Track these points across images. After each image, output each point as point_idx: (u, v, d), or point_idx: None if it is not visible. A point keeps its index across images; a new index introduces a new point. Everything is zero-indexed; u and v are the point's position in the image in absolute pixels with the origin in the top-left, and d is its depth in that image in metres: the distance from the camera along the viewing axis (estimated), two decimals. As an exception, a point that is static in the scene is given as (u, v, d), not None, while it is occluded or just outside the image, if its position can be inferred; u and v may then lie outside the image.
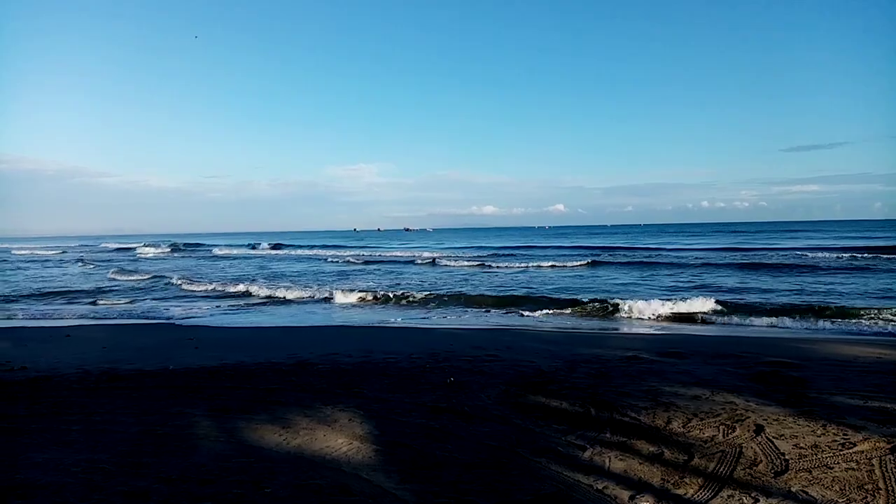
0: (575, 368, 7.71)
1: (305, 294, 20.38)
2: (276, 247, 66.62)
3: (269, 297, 20.16)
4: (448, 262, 36.03)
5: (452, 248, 56.56)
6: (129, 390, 6.91)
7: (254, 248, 66.50)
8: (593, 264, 31.54)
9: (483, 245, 61.66)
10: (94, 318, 15.83)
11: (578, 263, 31.69)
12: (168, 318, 15.44)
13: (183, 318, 15.33)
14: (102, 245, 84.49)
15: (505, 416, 5.61)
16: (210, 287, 23.23)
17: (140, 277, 28.40)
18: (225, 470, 4.33)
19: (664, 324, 13.45)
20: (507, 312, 15.81)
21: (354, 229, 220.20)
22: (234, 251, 60.06)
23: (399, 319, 14.80)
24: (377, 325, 13.98)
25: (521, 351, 9.20)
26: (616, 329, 12.85)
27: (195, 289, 23.23)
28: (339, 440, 4.97)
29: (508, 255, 43.60)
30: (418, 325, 13.73)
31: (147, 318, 15.79)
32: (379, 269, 32.91)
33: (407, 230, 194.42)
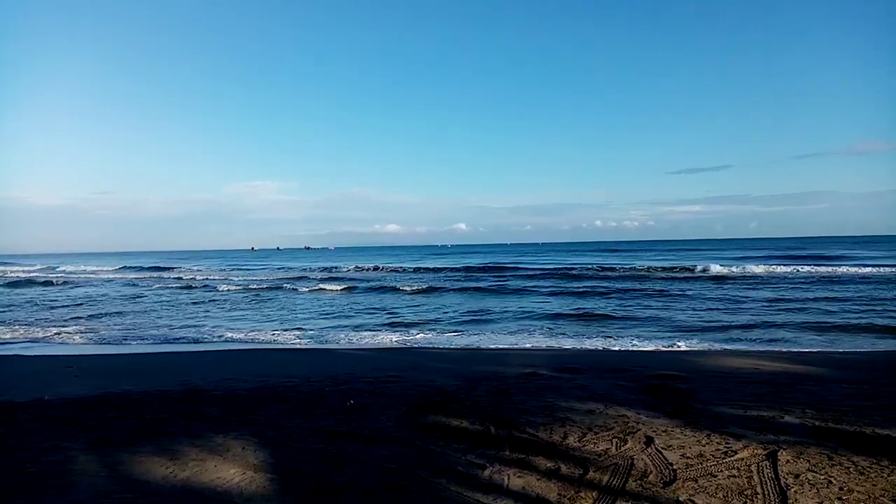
0: (476, 387, 7.75)
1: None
2: (121, 269, 61.65)
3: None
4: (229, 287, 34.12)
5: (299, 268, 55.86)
6: (-3, 424, 6.29)
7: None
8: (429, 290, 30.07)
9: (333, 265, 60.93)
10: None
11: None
12: None
13: None
14: None
15: (406, 437, 5.53)
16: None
17: None
18: (103, 508, 4.00)
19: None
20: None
21: (252, 248, 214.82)
22: (44, 276, 50.30)
23: (301, 341, 14.41)
24: (276, 347, 13.53)
25: (424, 371, 9.16)
26: (516, 346, 13.06)
27: None
28: (232, 470, 4.72)
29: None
30: (320, 347, 13.40)
31: None
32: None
33: (307, 248, 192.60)
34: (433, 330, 16.11)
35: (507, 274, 40.68)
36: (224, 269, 59.31)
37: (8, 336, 15.83)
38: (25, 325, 18.32)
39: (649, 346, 12.39)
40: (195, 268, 64.03)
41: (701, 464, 4.57)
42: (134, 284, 39.25)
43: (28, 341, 14.91)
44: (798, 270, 33.34)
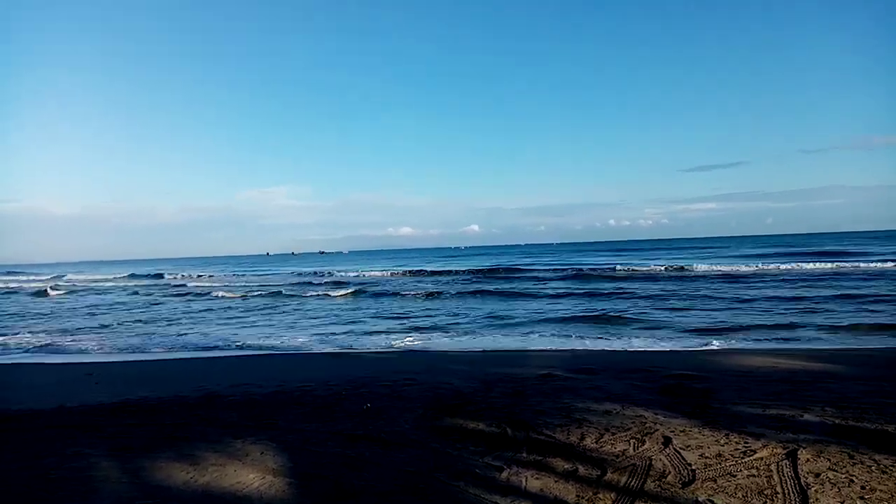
0: (492, 388, 7.76)
1: None
2: (133, 277, 61.65)
3: None
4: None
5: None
6: (20, 432, 6.37)
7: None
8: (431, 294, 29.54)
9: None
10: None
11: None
12: None
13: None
14: None
15: (423, 440, 5.55)
16: None
17: None
18: (125, 514, 4.05)
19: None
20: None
21: (267, 253, 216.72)
22: (56, 285, 49.23)
23: (318, 346, 14.48)
24: (291, 352, 13.60)
25: (440, 373, 9.18)
26: (531, 348, 13.03)
27: None
28: (251, 475, 4.76)
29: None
30: (335, 352, 13.44)
31: None
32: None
33: (322, 253, 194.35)
34: (448, 332, 16.12)
35: (521, 275, 40.68)
36: (236, 275, 59.72)
37: (26, 344, 16.04)
38: (43, 333, 18.55)
39: (665, 346, 12.33)
40: (208, 274, 64.48)
41: (720, 464, 4.55)
42: (145, 293, 39.43)
43: (46, 349, 15.10)
44: (814, 267, 33.08)
